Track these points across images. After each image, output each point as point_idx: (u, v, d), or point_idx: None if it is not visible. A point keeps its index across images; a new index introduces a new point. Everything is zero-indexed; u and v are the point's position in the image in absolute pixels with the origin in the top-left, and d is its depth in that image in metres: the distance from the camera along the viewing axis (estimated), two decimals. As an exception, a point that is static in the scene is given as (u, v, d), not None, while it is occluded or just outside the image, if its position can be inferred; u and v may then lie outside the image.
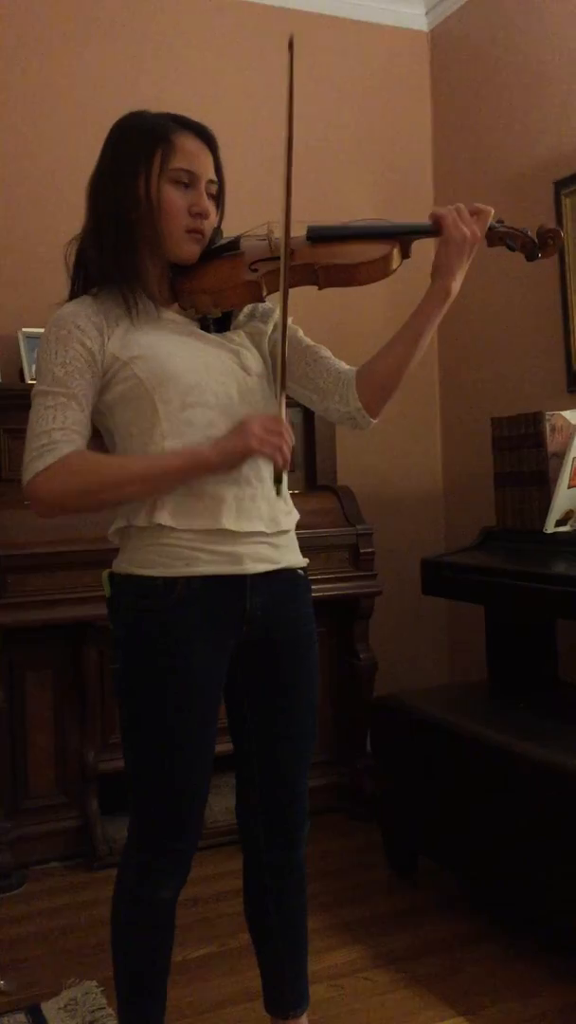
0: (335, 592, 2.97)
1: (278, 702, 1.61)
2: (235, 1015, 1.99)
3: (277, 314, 1.61)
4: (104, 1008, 2.00)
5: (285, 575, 1.58)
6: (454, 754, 2.30)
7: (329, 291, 1.57)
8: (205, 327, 1.56)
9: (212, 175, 1.52)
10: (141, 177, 1.47)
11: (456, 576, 2.70)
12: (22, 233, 3.13)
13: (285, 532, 1.59)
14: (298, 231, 1.51)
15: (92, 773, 2.78)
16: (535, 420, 2.73)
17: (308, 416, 3.24)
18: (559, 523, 2.63)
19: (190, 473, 1.45)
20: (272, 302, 1.60)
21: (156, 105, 1.57)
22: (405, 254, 1.53)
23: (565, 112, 3.10)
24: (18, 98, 3.17)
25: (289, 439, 1.43)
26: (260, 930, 1.72)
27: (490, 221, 1.51)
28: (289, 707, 1.61)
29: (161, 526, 1.47)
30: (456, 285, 1.50)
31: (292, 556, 1.61)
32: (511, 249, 1.57)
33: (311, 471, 3.26)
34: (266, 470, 1.51)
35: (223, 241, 1.57)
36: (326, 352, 1.62)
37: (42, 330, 1.53)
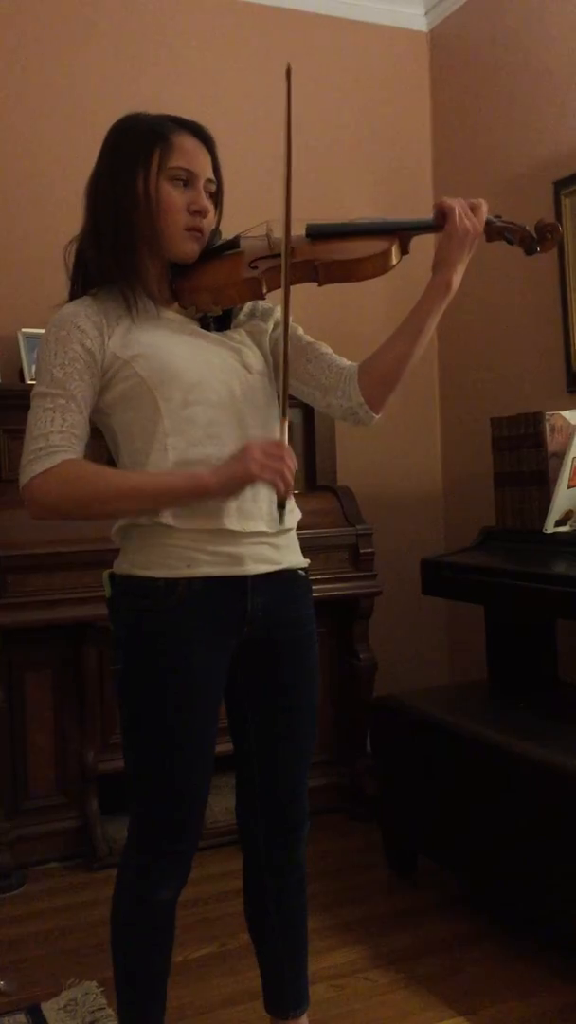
0: (335, 592, 2.96)
1: (278, 702, 1.61)
2: (235, 1015, 1.99)
3: (277, 312, 1.62)
4: (104, 1008, 2.00)
5: (286, 575, 1.58)
6: (454, 754, 2.30)
7: (329, 289, 1.57)
8: (205, 326, 1.56)
9: (210, 174, 1.53)
10: (140, 176, 1.47)
11: (456, 576, 2.70)
12: (22, 233, 3.13)
13: (286, 531, 1.59)
14: (297, 230, 1.52)
15: (92, 773, 2.78)
16: (535, 420, 2.73)
17: (308, 416, 3.24)
18: (559, 523, 2.63)
19: (188, 497, 1.45)
20: (272, 301, 1.60)
21: (156, 105, 1.58)
22: (404, 250, 1.53)
23: (565, 112, 3.10)
24: (18, 98, 3.17)
25: (291, 464, 1.42)
26: (260, 930, 1.72)
27: (486, 215, 1.52)
28: (289, 707, 1.61)
29: (163, 525, 1.47)
30: (457, 279, 1.50)
31: (293, 556, 1.61)
32: (510, 243, 1.58)
33: (311, 471, 3.26)
34: None
35: (222, 241, 1.57)
36: (326, 348, 1.62)
37: (42, 330, 1.53)
